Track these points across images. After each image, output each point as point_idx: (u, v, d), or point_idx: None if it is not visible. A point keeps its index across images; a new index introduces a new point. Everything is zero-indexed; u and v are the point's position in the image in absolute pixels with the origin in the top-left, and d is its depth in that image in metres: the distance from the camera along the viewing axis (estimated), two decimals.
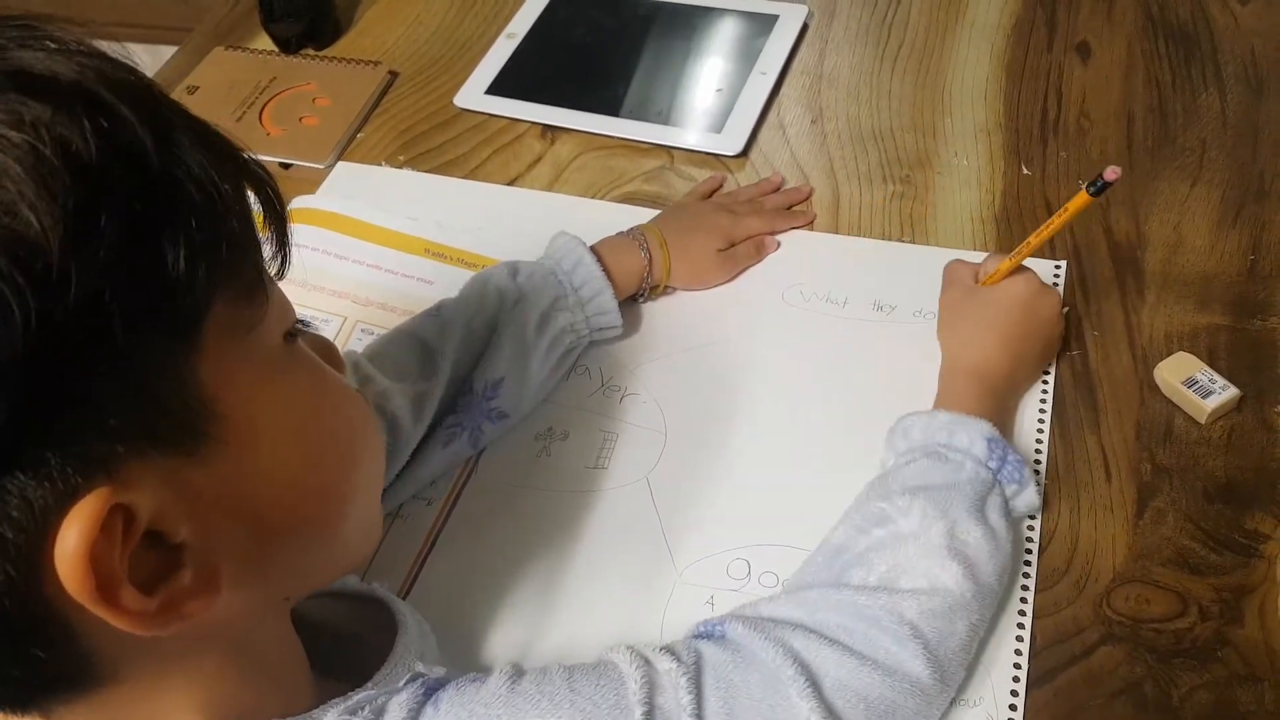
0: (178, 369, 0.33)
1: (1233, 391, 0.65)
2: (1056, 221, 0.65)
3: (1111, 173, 0.59)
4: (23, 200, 0.29)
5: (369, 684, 0.44)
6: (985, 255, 0.70)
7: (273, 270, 0.40)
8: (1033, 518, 0.62)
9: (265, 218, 0.39)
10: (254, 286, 0.37)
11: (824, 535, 0.58)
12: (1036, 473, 0.63)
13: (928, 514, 0.54)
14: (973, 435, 0.58)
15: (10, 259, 0.29)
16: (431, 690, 0.44)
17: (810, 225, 0.79)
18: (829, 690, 0.48)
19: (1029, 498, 0.59)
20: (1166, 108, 0.85)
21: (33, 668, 0.34)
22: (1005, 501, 0.58)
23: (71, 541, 0.31)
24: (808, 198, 0.81)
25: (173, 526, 0.34)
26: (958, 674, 0.53)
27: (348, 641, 0.50)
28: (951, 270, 0.70)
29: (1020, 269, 0.67)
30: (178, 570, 0.35)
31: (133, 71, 0.34)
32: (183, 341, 0.33)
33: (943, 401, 0.63)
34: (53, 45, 0.32)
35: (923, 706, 0.51)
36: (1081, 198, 0.62)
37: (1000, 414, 0.63)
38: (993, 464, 0.58)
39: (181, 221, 0.33)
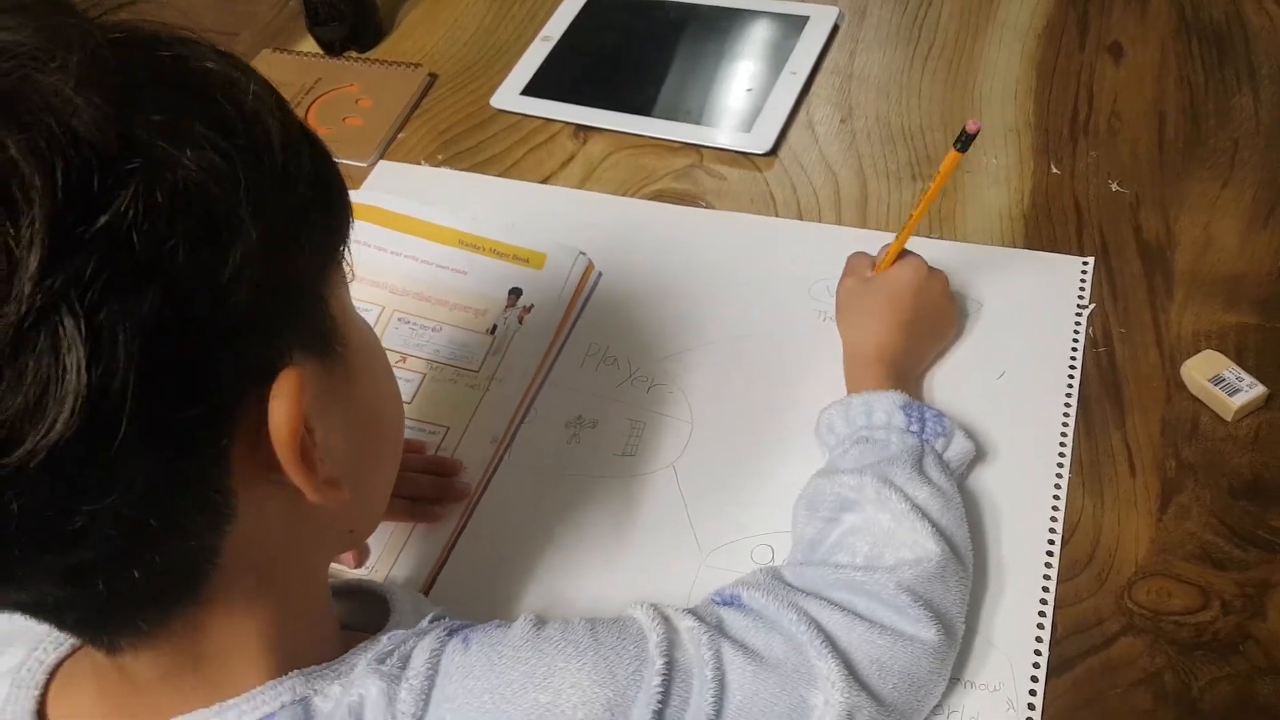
0: (323, 292, 0.41)
1: (1260, 389, 0.65)
2: (933, 189, 0.67)
3: (972, 124, 0.62)
4: (269, 119, 0.37)
5: (382, 633, 0.47)
6: (882, 244, 0.71)
7: None
8: (1055, 510, 0.62)
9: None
10: (344, 251, 0.43)
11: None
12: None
13: (880, 488, 0.57)
14: (888, 408, 0.61)
15: (267, 158, 0.36)
16: (454, 631, 0.46)
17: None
18: (844, 651, 0.50)
19: (960, 445, 0.62)
20: (1199, 108, 0.85)
21: (166, 561, 0.37)
22: (939, 457, 0.60)
23: (284, 403, 0.37)
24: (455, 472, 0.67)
25: (312, 425, 0.39)
26: (960, 629, 0.55)
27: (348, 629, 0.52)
28: (850, 262, 0.72)
29: (908, 255, 0.69)
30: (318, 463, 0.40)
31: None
32: (325, 272, 0.41)
33: (852, 387, 0.66)
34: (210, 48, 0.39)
35: (937, 666, 0.53)
36: (951, 157, 0.65)
37: (905, 385, 0.65)
38: (914, 428, 0.61)
39: (330, 177, 0.41)
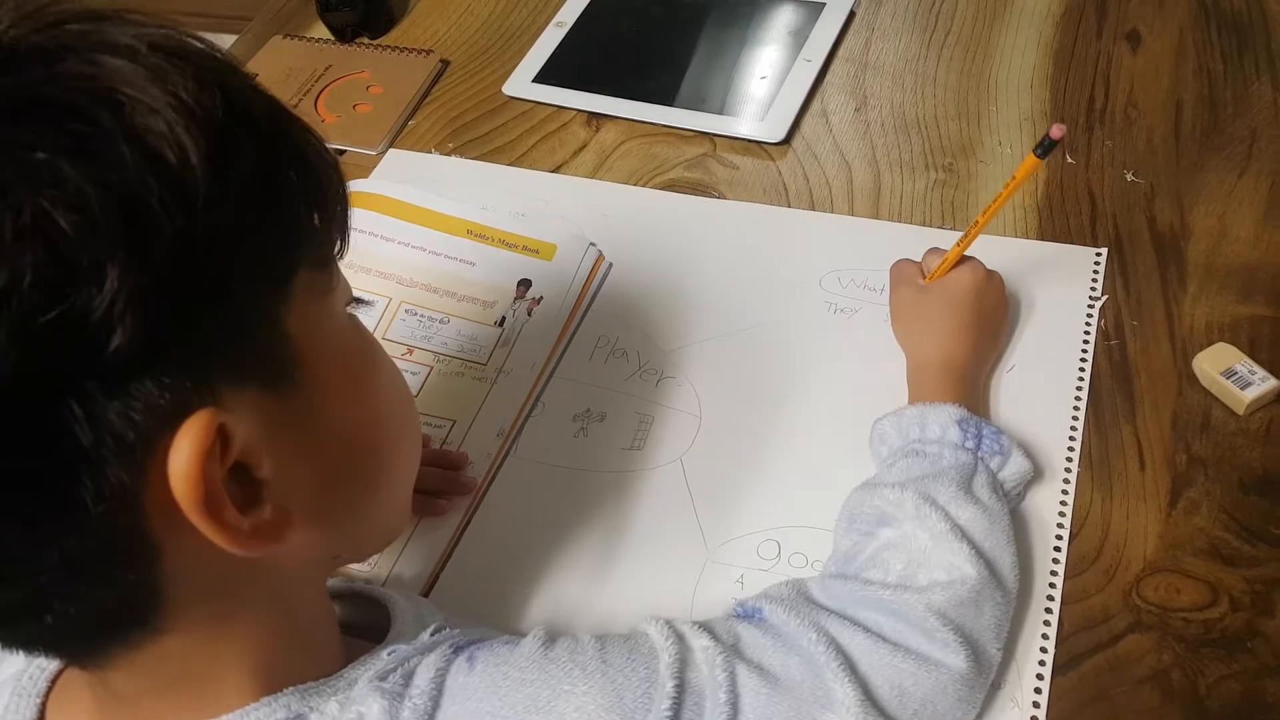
0: (271, 314, 0.38)
1: (1272, 383, 0.64)
2: (1004, 195, 0.65)
3: (1057, 130, 0.60)
4: (175, 132, 0.33)
5: (383, 647, 0.46)
6: (926, 250, 0.70)
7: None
8: (1064, 505, 0.62)
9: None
10: (328, 257, 0.41)
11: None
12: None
13: (920, 505, 0.55)
14: (943, 421, 0.60)
15: (164, 180, 0.33)
16: (460, 649, 0.45)
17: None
18: (863, 675, 0.49)
19: (1018, 465, 0.60)
20: (1216, 97, 0.84)
21: (99, 599, 0.36)
22: (993, 476, 0.59)
23: (185, 452, 0.34)
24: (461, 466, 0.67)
25: (257, 460, 0.37)
26: (994, 657, 0.53)
27: (348, 631, 0.51)
28: (898, 270, 0.70)
29: (964, 258, 0.67)
30: (259, 505, 0.38)
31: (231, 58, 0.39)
32: (277, 291, 0.38)
33: (914, 398, 0.64)
34: (175, 30, 0.36)
35: (965, 693, 0.51)
36: (1030, 162, 0.62)
37: (971, 395, 0.64)
38: (969, 444, 0.59)
39: (290, 186, 0.38)
